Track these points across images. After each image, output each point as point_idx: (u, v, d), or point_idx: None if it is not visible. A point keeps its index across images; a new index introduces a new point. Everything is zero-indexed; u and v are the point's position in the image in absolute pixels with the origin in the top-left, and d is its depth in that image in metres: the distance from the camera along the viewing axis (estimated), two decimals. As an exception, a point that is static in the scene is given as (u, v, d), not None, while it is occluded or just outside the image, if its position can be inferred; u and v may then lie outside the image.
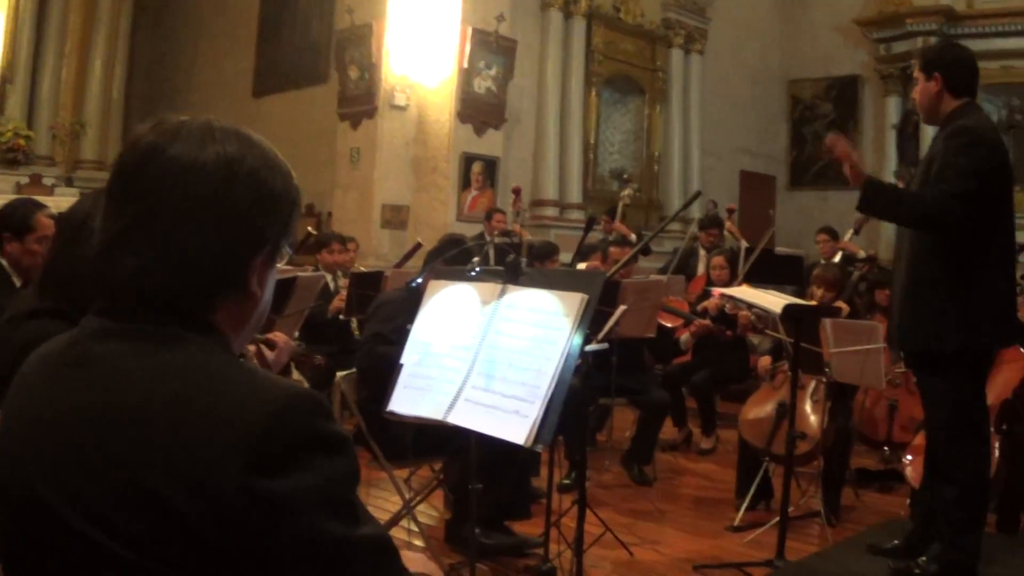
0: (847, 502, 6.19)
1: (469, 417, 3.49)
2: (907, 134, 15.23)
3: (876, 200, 4.53)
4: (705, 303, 8.16)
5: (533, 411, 3.31)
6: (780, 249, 11.11)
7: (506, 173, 12.75)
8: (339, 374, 5.23)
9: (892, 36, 15.98)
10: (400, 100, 12.09)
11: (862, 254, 10.30)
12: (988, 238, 4.41)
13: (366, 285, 7.70)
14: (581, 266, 8.52)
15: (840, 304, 6.46)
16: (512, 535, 5.16)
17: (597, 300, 3.56)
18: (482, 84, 12.31)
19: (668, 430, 7.78)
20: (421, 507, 5.61)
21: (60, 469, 1.28)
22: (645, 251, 8.80)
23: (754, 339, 8.34)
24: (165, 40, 17.53)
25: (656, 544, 5.47)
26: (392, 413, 3.82)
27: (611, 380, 6.36)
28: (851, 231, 10.70)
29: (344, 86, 12.58)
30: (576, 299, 3.49)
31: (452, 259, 5.23)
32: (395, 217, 12.18)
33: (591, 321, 3.58)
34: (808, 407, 5.89)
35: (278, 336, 3.05)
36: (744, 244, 10.56)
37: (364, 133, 12.26)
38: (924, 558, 4.55)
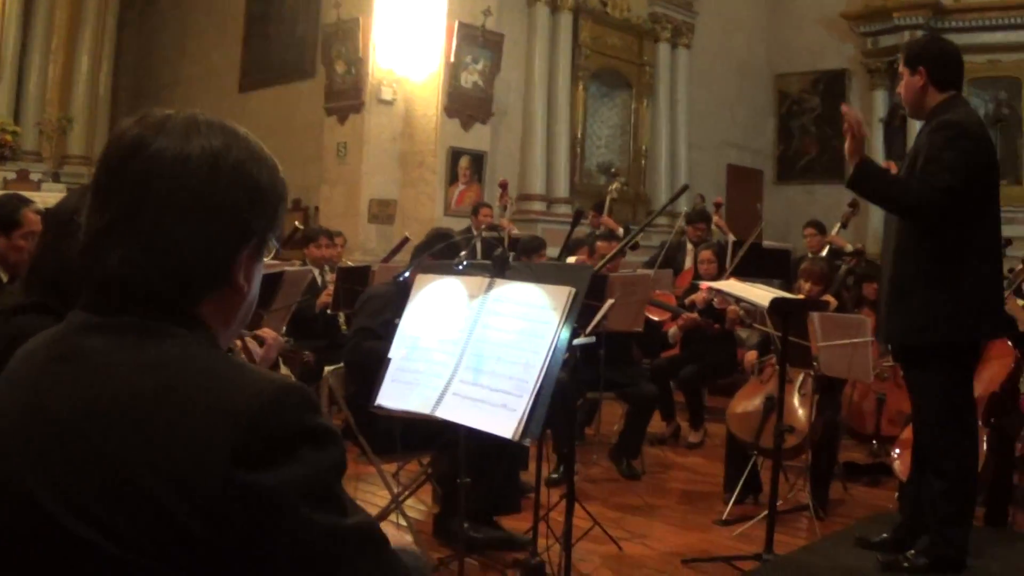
0: (835, 496, 6.20)
1: (457, 411, 3.48)
2: (894, 128, 15.24)
3: (866, 180, 4.52)
4: (693, 297, 8.16)
5: (521, 405, 3.30)
6: (767, 243, 11.12)
7: (493, 167, 12.75)
8: (327, 369, 5.23)
9: (879, 30, 16.02)
10: (387, 95, 12.09)
11: (849, 248, 10.30)
12: (974, 231, 4.42)
13: (353, 280, 7.68)
14: (570, 260, 8.52)
15: (828, 298, 6.47)
16: (500, 530, 5.16)
17: (584, 293, 3.55)
18: (469, 78, 12.31)
19: (656, 424, 7.78)
20: (409, 501, 5.61)
21: (47, 464, 1.27)
22: (633, 245, 8.80)
23: (742, 333, 8.35)
24: (152, 35, 17.47)
25: (644, 538, 5.47)
26: (380, 407, 3.81)
27: (599, 374, 6.36)
28: (838, 225, 10.74)
29: (331, 81, 12.57)
30: (564, 292, 3.49)
31: (439, 253, 5.23)
32: (382, 212, 12.17)
33: (579, 315, 3.58)
34: (796, 401, 5.89)
35: (267, 332, 3.05)
36: (731, 238, 10.57)
37: (351, 128, 12.24)
38: (912, 551, 4.56)
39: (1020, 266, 7.99)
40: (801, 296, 6.33)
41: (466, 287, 3.79)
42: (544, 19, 13.70)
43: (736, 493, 5.88)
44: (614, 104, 15.43)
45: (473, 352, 3.56)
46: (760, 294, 5.36)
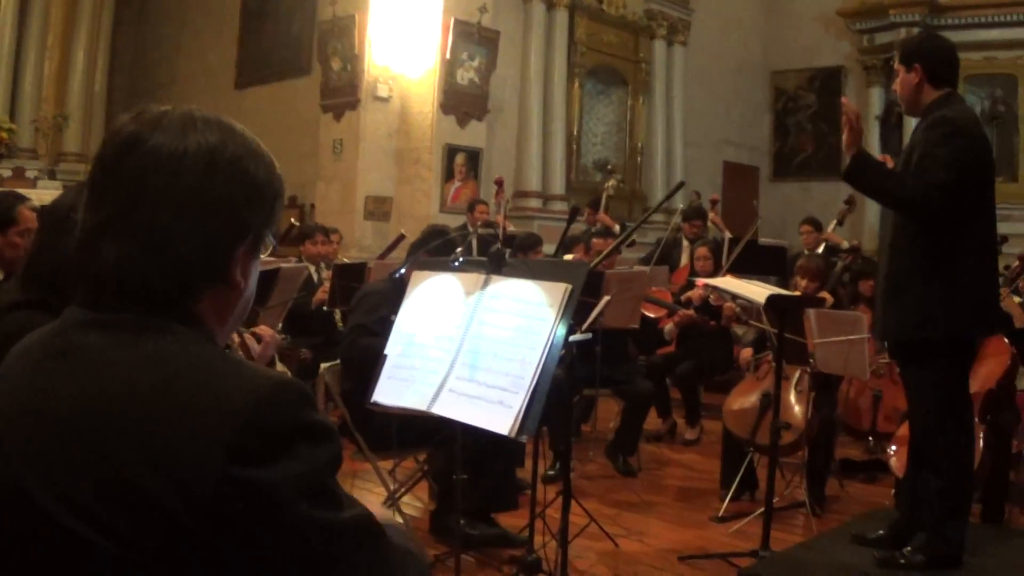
0: (832, 492, 6.20)
1: (453, 408, 3.48)
2: (890, 125, 15.26)
3: (862, 173, 4.51)
4: (689, 293, 8.17)
5: (517, 401, 3.30)
6: (763, 240, 11.12)
7: (489, 164, 12.76)
8: (323, 365, 5.21)
9: (875, 27, 16.05)
10: (383, 91, 12.09)
11: (845, 245, 10.32)
12: (969, 228, 4.42)
13: (349, 276, 7.68)
14: (567, 258, 8.52)
15: (824, 295, 6.48)
16: (497, 526, 5.16)
17: (581, 290, 3.56)
18: (465, 75, 12.31)
19: (652, 421, 7.79)
20: (406, 498, 5.61)
21: (43, 460, 1.27)
22: (629, 242, 8.80)
23: (738, 330, 8.35)
24: (148, 33, 17.44)
25: (641, 535, 5.47)
26: (376, 404, 3.81)
27: (595, 370, 6.34)
28: (834, 222, 10.73)
29: (327, 78, 12.57)
30: (560, 289, 3.49)
31: (435, 250, 5.22)
32: (378, 208, 12.17)
33: (575, 311, 3.58)
34: (792, 397, 5.89)
35: (264, 330, 3.05)
36: (728, 235, 10.59)
37: (347, 125, 12.25)
38: (909, 548, 4.55)
39: (1016, 263, 8.00)
40: (797, 293, 6.33)
41: (462, 284, 3.79)
42: (540, 16, 13.72)
43: (732, 490, 5.88)
44: (610, 101, 15.43)
45: (469, 349, 3.56)
46: (756, 291, 5.36)
